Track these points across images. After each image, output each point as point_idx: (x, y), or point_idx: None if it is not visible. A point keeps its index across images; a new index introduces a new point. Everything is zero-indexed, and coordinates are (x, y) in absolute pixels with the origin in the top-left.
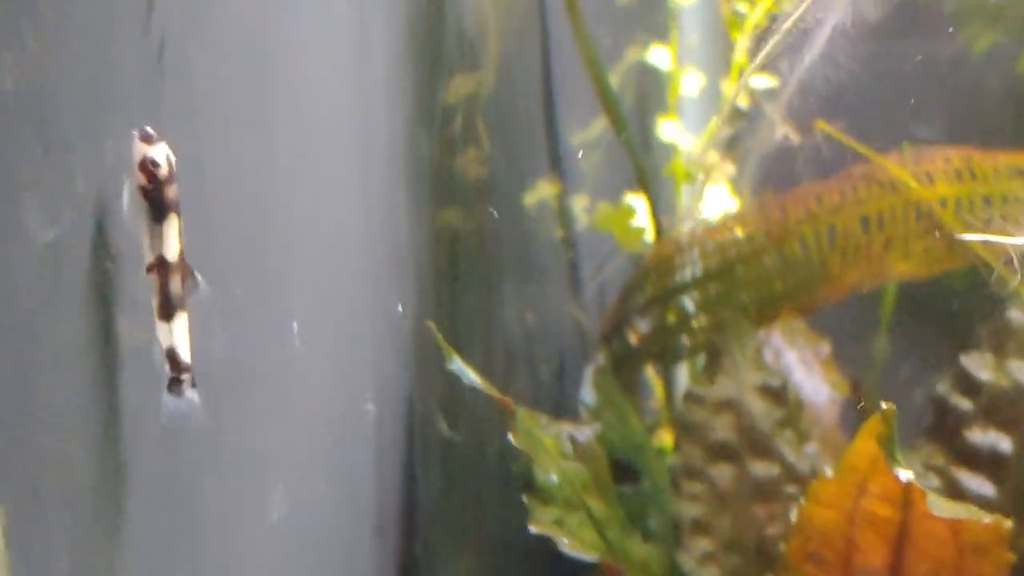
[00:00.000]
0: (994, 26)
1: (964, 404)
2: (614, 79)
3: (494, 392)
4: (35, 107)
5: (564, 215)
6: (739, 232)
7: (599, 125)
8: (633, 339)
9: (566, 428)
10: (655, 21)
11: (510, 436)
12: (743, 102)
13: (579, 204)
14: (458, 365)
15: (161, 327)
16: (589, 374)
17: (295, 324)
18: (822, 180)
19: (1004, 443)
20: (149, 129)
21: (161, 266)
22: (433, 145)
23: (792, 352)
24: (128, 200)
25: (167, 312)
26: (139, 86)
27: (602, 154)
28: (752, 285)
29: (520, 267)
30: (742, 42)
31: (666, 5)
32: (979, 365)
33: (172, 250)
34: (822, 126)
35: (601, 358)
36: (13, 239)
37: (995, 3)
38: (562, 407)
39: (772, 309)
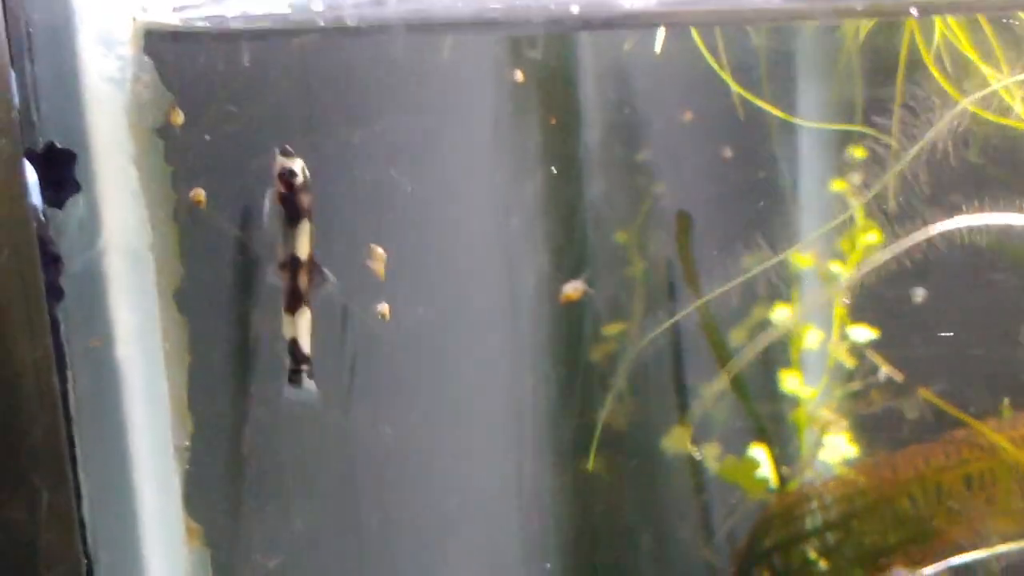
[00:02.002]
0: None
1: None
2: (741, 334)
3: None
4: None
5: (696, 463)
6: (855, 488)
7: (725, 378)
8: None
9: None
10: (778, 282)
11: None
12: (848, 359)
13: (711, 453)
14: None
15: (286, 319)
16: None
17: None
18: (928, 443)
19: None
20: (288, 146)
21: (291, 264)
22: (576, 399)
23: None
24: (268, 207)
25: (292, 306)
26: None
27: (730, 405)
28: (867, 536)
29: (656, 512)
30: (840, 299)
31: (788, 268)
32: None
33: (303, 250)
34: (925, 394)
35: None
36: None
37: None
38: None
39: (886, 559)
